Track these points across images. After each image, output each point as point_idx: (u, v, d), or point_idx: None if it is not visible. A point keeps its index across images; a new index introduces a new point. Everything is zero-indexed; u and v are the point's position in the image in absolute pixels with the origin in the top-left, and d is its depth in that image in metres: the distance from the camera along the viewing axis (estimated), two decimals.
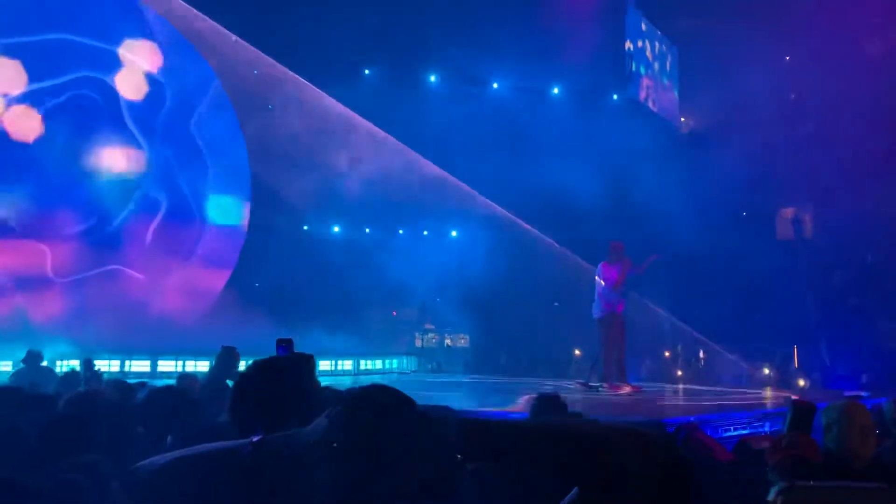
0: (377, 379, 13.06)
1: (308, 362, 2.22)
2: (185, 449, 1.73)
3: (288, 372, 2.15)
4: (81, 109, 12.86)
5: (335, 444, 1.45)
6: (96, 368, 7.69)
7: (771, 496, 1.36)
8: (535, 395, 3.53)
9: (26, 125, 12.39)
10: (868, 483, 1.40)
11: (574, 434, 1.55)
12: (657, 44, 16.82)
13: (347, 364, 13.51)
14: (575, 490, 1.48)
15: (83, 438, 2.99)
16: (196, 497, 1.53)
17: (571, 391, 9.71)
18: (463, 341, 15.58)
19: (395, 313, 15.95)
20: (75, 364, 9.04)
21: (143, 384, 5.09)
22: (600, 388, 9.79)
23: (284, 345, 2.85)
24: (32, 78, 12.49)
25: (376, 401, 1.51)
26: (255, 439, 1.62)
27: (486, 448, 1.53)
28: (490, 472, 1.53)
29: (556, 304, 13.92)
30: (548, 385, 10.29)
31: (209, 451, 1.67)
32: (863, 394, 9.00)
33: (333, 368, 13.05)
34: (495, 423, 1.60)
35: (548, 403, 3.38)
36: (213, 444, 1.73)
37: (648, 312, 12.83)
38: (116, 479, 1.84)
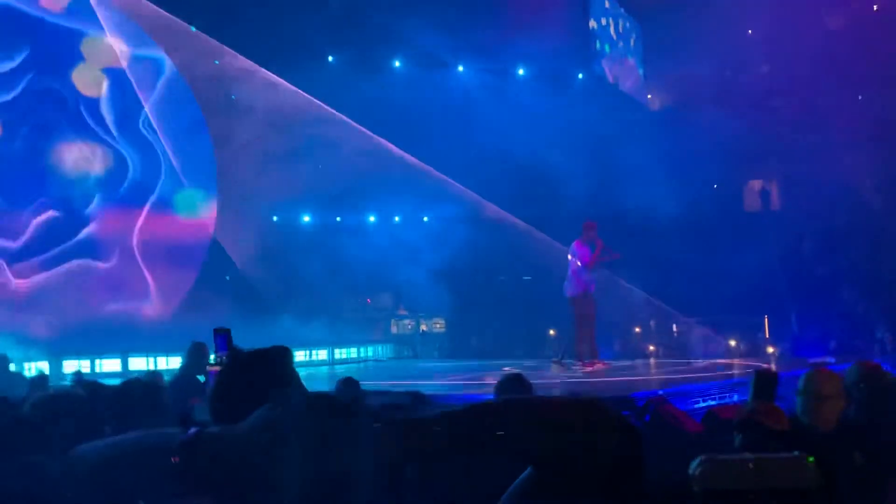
0: (353, 368, 13.06)
1: (284, 355, 2.22)
2: (122, 436, 1.72)
3: (263, 365, 2.14)
4: (40, 105, 12.64)
5: (271, 447, 1.46)
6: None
7: (692, 469, 1.39)
8: (500, 378, 3.55)
9: None
10: (784, 454, 1.45)
11: (522, 411, 1.57)
12: (621, 21, 16.85)
13: (322, 354, 13.50)
14: (528, 470, 1.50)
15: (47, 440, 2.96)
16: (127, 489, 1.54)
17: (546, 370, 9.81)
18: (438, 326, 15.59)
19: (369, 301, 15.93)
20: (44, 366, 8.93)
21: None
22: (573, 366, 9.90)
23: (222, 334, 2.81)
24: None
25: (314, 407, 1.53)
26: (189, 433, 1.62)
27: (432, 443, 1.55)
28: (433, 470, 1.55)
29: (526, 278, 13.96)
30: (526, 364, 10.38)
31: (144, 443, 1.67)
32: (829, 360, 9.19)
33: (308, 359, 13.03)
34: (434, 419, 1.62)
35: (512, 385, 3.41)
36: (149, 434, 1.72)
37: (620, 288, 12.97)
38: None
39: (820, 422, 3.60)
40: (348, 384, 4.73)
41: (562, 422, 1.52)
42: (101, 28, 13.11)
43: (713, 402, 6.13)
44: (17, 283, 12.25)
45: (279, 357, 2.18)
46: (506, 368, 8.40)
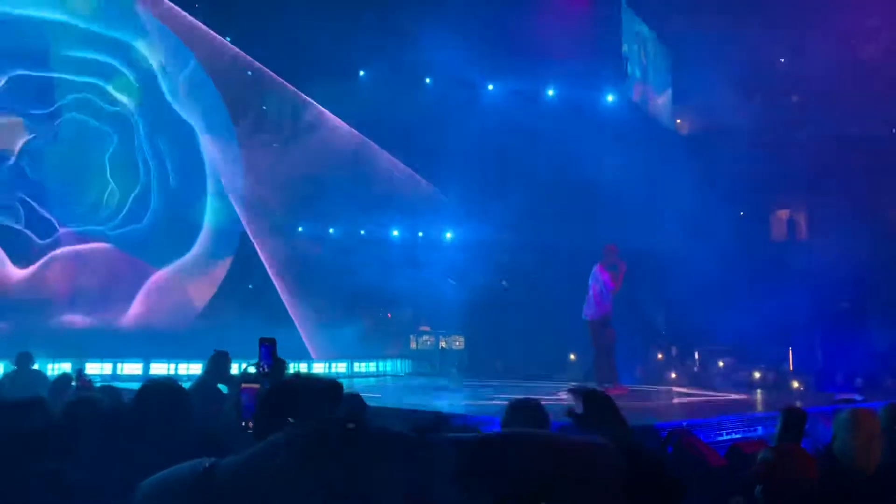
0: (371, 382, 13.01)
1: (335, 392, 2.07)
2: (158, 474, 1.70)
3: (313, 396, 2.00)
4: (80, 115, 12.93)
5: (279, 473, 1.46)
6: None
7: None
8: (508, 403, 3.36)
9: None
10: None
11: (527, 446, 1.54)
12: (652, 46, 16.82)
13: (341, 367, 13.50)
14: None
15: (73, 446, 2.98)
16: None
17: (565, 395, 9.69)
18: (458, 343, 15.53)
19: (389, 315, 15.91)
20: (66, 367, 9.01)
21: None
22: None
23: (268, 344, 2.76)
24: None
25: (332, 438, 1.51)
26: (206, 465, 1.59)
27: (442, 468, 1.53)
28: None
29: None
30: (547, 386, 10.32)
31: (166, 477, 1.65)
32: (857, 397, 9.00)
33: (327, 371, 13.04)
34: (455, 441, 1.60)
35: (521, 411, 3.25)
36: (173, 469, 1.69)
37: (642, 314, 12.85)
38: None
39: (858, 462, 3.48)
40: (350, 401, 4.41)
41: (568, 462, 1.49)
42: (141, 36, 13.31)
43: (737, 436, 6.01)
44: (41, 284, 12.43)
45: (333, 393, 2.03)
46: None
